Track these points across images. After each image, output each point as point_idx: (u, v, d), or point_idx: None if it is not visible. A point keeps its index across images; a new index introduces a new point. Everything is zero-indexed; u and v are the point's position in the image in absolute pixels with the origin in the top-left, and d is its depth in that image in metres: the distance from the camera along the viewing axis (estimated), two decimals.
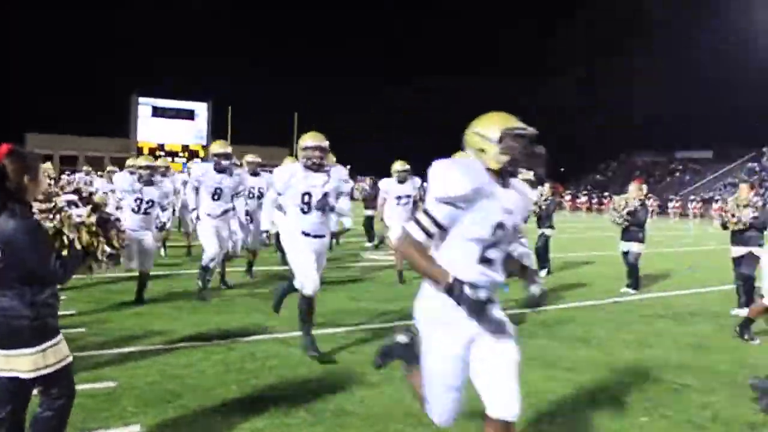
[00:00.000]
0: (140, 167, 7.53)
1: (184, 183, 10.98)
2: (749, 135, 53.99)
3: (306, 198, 5.25)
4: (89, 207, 2.82)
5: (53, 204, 2.74)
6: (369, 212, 14.92)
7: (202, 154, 71.21)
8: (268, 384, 4.53)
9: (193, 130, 71.08)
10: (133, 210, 7.21)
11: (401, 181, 9.28)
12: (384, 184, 9.65)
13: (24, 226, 2.54)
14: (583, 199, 48.10)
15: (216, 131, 69.38)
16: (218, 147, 7.83)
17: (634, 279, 9.05)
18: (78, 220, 2.76)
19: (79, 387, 3.01)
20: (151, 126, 68.77)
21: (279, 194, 5.46)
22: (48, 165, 10.56)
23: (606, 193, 45.55)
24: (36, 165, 2.73)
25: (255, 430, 3.69)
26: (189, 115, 70.93)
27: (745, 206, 7.52)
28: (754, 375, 4.66)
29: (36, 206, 2.69)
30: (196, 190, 7.73)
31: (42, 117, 72.89)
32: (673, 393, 4.60)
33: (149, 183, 7.38)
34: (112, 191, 9.29)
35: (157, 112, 69.22)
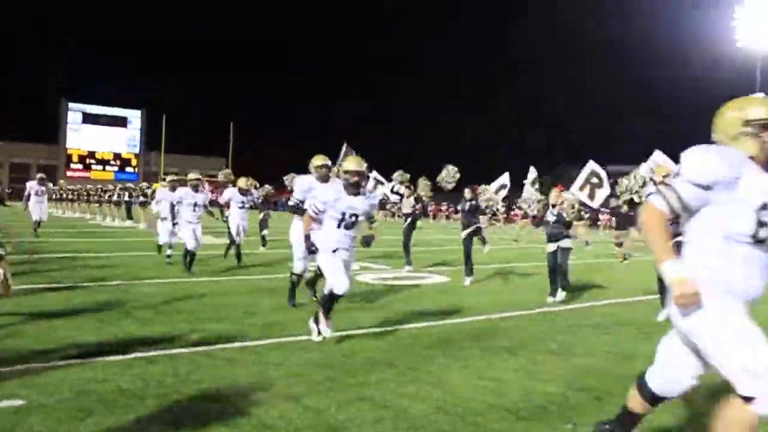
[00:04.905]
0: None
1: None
2: (677, 151, 56.24)
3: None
4: None
5: None
6: None
7: (134, 162, 69.55)
8: (189, 398, 4.35)
9: (126, 138, 69.32)
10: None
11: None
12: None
13: None
14: (516, 211, 48.94)
15: (150, 140, 67.92)
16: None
17: (564, 280, 9.27)
18: None
19: None
20: (81, 133, 66.75)
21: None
22: None
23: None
24: None
25: None
26: (122, 122, 69.16)
27: None
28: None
29: None
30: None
31: None
32: (595, 401, 4.65)
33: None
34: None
35: (88, 118, 67.21)
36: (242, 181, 12.34)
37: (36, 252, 13.09)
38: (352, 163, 6.31)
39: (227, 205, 12.73)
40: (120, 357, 5.27)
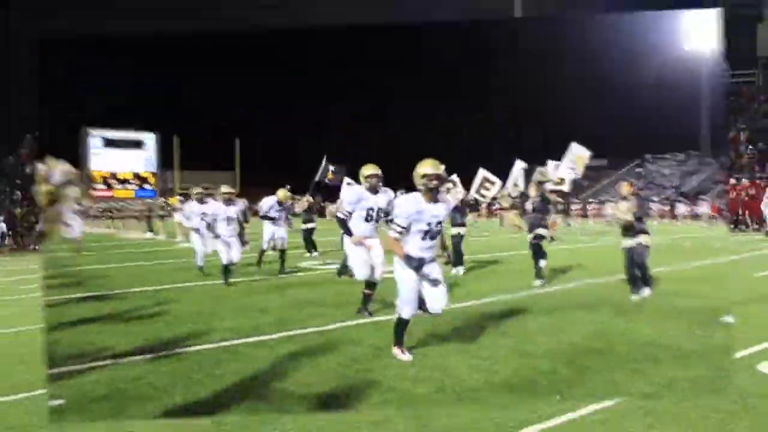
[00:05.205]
0: (367, 176, 6.91)
1: None
2: (636, 145, 56.24)
3: None
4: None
5: None
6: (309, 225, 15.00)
7: (152, 180, 69.60)
8: (214, 393, 4.36)
9: (143, 159, 69.62)
10: (366, 219, 6.90)
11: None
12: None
13: None
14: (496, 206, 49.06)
15: (164, 158, 68.16)
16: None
17: (542, 258, 9.39)
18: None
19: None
20: (102, 156, 66.95)
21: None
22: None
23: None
24: None
25: None
26: (138, 144, 69.37)
27: (624, 198, 7.78)
28: None
29: None
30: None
31: None
32: (579, 374, 4.67)
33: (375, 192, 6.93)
34: None
35: (108, 143, 67.52)
36: (281, 193, 11.88)
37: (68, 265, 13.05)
38: (428, 166, 5.06)
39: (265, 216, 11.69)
40: (150, 356, 5.27)
